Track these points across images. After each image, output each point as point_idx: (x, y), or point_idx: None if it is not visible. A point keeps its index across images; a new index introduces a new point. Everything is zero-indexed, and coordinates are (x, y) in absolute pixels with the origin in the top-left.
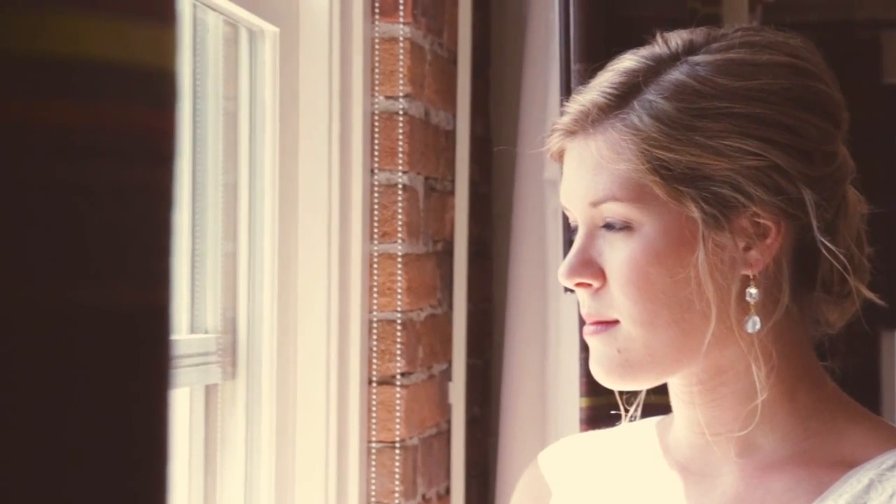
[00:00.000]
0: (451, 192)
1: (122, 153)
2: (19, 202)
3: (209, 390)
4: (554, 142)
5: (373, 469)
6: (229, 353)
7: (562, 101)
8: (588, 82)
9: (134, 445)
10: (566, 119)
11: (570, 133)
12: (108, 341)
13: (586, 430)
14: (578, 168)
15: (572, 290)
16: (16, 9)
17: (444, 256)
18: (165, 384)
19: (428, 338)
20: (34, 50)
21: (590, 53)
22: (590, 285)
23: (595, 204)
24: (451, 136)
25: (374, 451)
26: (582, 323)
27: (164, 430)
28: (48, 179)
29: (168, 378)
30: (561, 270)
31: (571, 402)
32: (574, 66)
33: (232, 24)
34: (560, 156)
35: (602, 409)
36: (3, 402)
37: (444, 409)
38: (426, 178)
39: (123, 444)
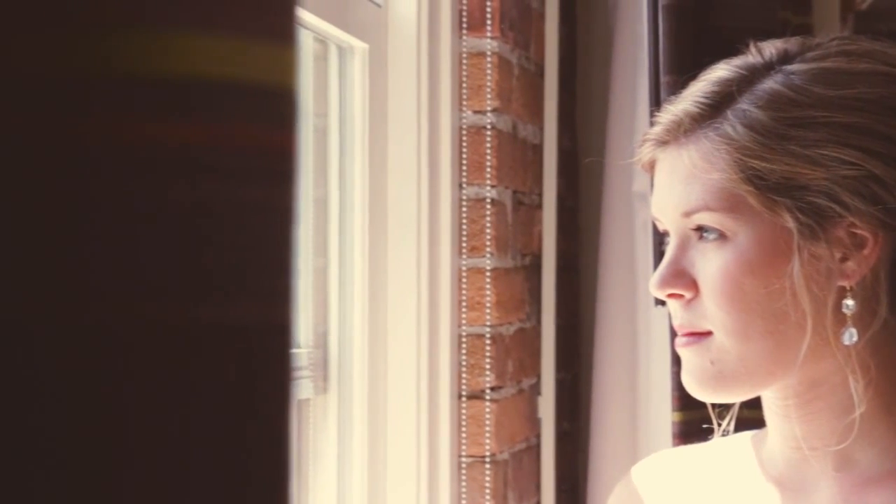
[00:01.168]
0: (539, 206)
1: (242, 172)
2: (141, 222)
3: (301, 405)
4: (645, 152)
5: (463, 483)
6: (321, 367)
7: (651, 112)
8: (677, 93)
9: (257, 463)
10: (658, 129)
11: (662, 143)
12: (230, 359)
13: (679, 444)
14: (670, 178)
15: (663, 303)
16: (136, 29)
17: (532, 270)
18: (287, 401)
19: (517, 352)
20: (154, 70)
21: (679, 65)
22: (682, 296)
23: (687, 214)
24: (538, 149)
25: (464, 465)
26: (673, 336)
27: (286, 446)
28: (169, 199)
29: (289, 395)
30: (652, 281)
31: (663, 416)
32: (663, 78)
33: (321, 41)
34: (651, 166)
35: (694, 423)
36: (131, 421)
37: (534, 423)
38: (514, 192)
39: (246, 461)
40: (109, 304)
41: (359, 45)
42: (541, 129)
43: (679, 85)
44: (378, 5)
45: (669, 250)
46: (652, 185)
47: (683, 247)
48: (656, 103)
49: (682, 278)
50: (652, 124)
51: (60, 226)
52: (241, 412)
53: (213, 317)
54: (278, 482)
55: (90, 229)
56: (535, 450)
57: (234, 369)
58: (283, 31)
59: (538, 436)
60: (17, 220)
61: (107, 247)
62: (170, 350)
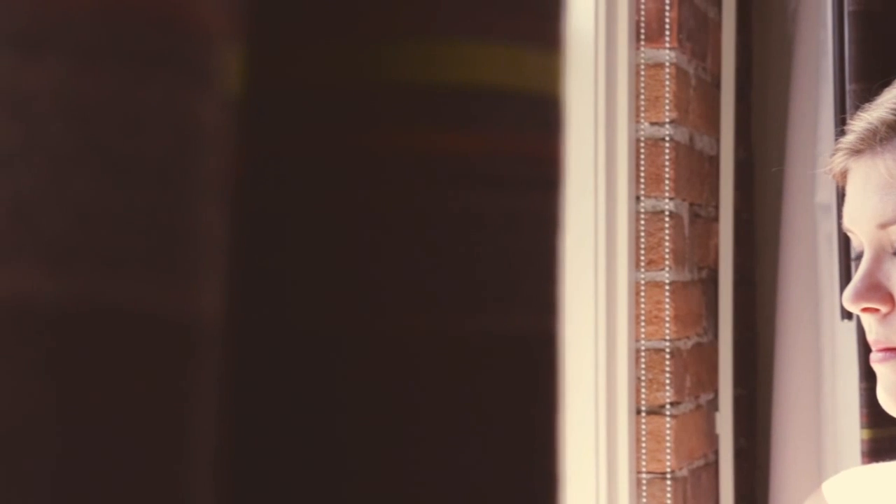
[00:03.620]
0: (715, 219)
1: (516, 181)
2: (419, 233)
3: None
4: (837, 162)
5: (643, 500)
6: None
7: (836, 122)
8: (866, 102)
9: (533, 472)
10: (851, 138)
11: (856, 152)
12: (505, 369)
13: (868, 462)
14: (864, 188)
15: (850, 317)
16: (412, 39)
17: (709, 284)
18: (557, 410)
19: (694, 367)
20: (431, 79)
21: (866, 72)
22: (877, 310)
23: (884, 226)
24: (714, 160)
25: (644, 482)
26: (863, 351)
27: (558, 457)
28: (449, 209)
29: (560, 404)
30: (846, 295)
31: (850, 434)
32: (849, 86)
33: None
34: (843, 176)
35: (886, 441)
36: (415, 428)
37: (712, 439)
38: (690, 205)
39: (522, 469)
40: (393, 316)
41: None
42: (717, 140)
43: (868, 93)
44: None
45: (864, 263)
46: (841, 195)
47: (878, 259)
48: (841, 112)
49: (878, 292)
50: (842, 133)
51: (355, 237)
52: (515, 422)
53: (489, 327)
54: (553, 494)
55: (382, 240)
56: (712, 467)
57: (508, 380)
58: (553, 37)
59: (716, 452)
60: (312, 233)
61: (398, 258)
62: (449, 360)
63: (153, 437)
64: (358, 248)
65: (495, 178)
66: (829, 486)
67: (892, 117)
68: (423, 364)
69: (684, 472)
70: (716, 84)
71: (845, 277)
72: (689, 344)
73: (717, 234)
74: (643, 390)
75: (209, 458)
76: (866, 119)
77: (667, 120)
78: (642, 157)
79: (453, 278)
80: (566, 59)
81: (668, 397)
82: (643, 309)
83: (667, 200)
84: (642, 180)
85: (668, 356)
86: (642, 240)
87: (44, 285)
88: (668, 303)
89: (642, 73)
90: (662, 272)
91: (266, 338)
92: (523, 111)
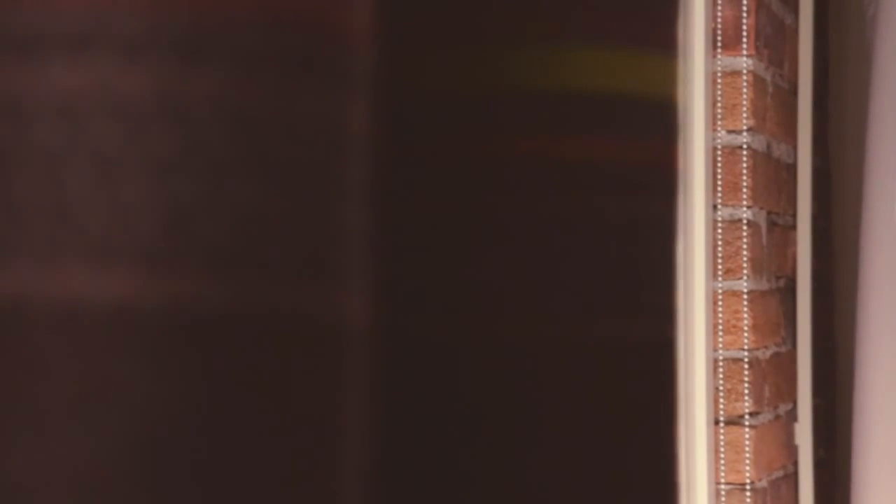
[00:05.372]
0: (793, 227)
1: (636, 186)
2: (537, 239)
3: None
4: None
5: None
6: None
7: None
8: None
9: (656, 480)
10: None
11: None
12: (625, 374)
13: None
14: None
15: None
16: (535, 46)
17: (787, 293)
18: (672, 415)
19: (773, 377)
20: (553, 85)
21: None
22: None
23: None
24: (791, 169)
25: (723, 493)
26: None
27: (678, 464)
28: (568, 214)
29: (675, 409)
30: None
31: None
32: None
33: None
34: None
35: None
36: (537, 430)
37: (791, 450)
38: (768, 213)
39: (649, 478)
40: (516, 324)
41: None
42: (794, 147)
43: None
44: None
45: None
46: None
47: None
48: None
49: None
50: None
51: (476, 242)
52: (632, 424)
53: (611, 333)
54: (672, 499)
55: (505, 247)
56: (791, 478)
57: (628, 384)
58: (668, 42)
59: (795, 463)
60: (431, 238)
61: (524, 265)
62: (570, 365)
63: (306, 437)
64: (489, 251)
65: (619, 184)
66: None
67: None
68: (546, 368)
69: (764, 484)
70: (793, 91)
71: None
72: (768, 353)
73: (794, 242)
74: (721, 400)
75: (359, 458)
76: None
77: (744, 128)
78: (719, 165)
79: (573, 285)
80: (679, 65)
81: (747, 407)
82: (721, 318)
83: (744, 209)
84: (719, 189)
85: (746, 366)
86: (719, 249)
87: (204, 291)
88: (746, 312)
89: (719, 80)
90: (740, 281)
91: (405, 340)
92: (642, 117)
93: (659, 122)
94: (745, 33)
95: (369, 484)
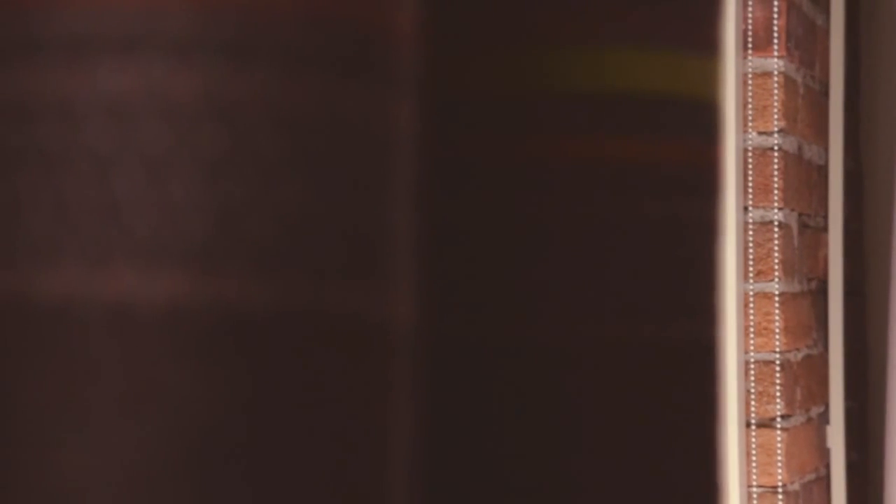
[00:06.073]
0: (824, 229)
1: (679, 187)
2: (581, 240)
3: None
4: None
5: None
6: None
7: None
8: None
9: (701, 482)
10: None
11: None
12: (668, 376)
13: None
14: None
15: None
16: (579, 47)
17: (818, 295)
18: (716, 420)
19: (805, 379)
20: (594, 86)
21: None
22: None
23: None
24: (822, 170)
25: (755, 496)
26: None
27: (721, 466)
28: (612, 215)
29: (718, 413)
30: None
31: None
32: None
33: None
34: None
35: None
36: (579, 429)
37: (822, 453)
38: (799, 215)
39: (694, 480)
40: (560, 325)
41: None
42: (825, 149)
43: None
44: None
45: None
46: None
47: None
48: None
49: None
50: None
51: (519, 242)
52: (675, 427)
53: (655, 334)
54: (711, 498)
55: (548, 247)
56: (824, 481)
57: (672, 386)
58: (710, 42)
59: (827, 466)
60: (475, 238)
61: (561, 267)
62: (614, 366)
63: (352, 436)
64: (533, 252)
65: (662, 185)
66: None
67: None
68: (588, 368)
69: (796, 486)
70: (824, 92)
71: None
72: (800, 356)
73: (826, 244)
74: (753, 403)
75: (404, 457)
76: None
77: (775, 129)
78: (750, 167)
79: (614, 286)
80: (722, 66)
81: (779, 410)
82: (752, 320)
83: (775, 210)
84: (750, 190)
85: (778, 368)
86: (751, 250)
87: (252, 291)
88: (777, 314)
89: (750, 82)
90: (772, 283)
91: (449, 339)
92: (684, 118)
93: (701, 123)
94: (776, 34)
95: (414, 483)
